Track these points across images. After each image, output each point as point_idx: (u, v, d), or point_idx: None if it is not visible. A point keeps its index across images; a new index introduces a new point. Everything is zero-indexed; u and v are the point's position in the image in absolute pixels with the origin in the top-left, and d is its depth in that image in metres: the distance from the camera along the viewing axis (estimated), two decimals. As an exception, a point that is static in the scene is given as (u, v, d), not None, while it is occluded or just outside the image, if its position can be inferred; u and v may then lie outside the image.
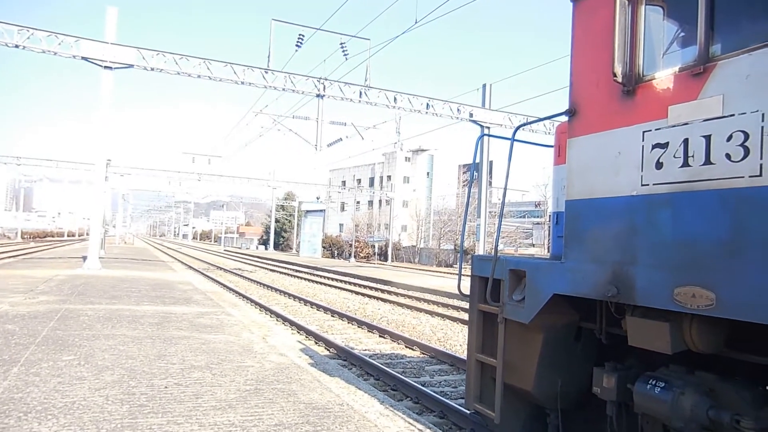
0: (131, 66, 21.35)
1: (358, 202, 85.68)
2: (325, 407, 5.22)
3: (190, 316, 10.56)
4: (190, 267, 33.62)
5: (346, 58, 24.03)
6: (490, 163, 30.51)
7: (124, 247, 56.61)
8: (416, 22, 19.12)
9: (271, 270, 35.88)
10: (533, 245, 58.70)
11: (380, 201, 78.18)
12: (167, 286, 16.63)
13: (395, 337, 11.93)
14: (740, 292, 2.92)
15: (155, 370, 6.19)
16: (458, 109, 27.67)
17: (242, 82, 23.23)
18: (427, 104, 26.74)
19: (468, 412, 5.83)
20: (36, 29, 19.97)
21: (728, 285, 2.98)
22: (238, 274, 30.25)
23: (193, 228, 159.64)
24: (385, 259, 55.91)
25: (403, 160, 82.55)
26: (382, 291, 23.08)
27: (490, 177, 30.00)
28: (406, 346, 11.25)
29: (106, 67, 20.77)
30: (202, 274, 28.54)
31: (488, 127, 27.95)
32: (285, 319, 14.03)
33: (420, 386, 7.79)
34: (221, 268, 35.05)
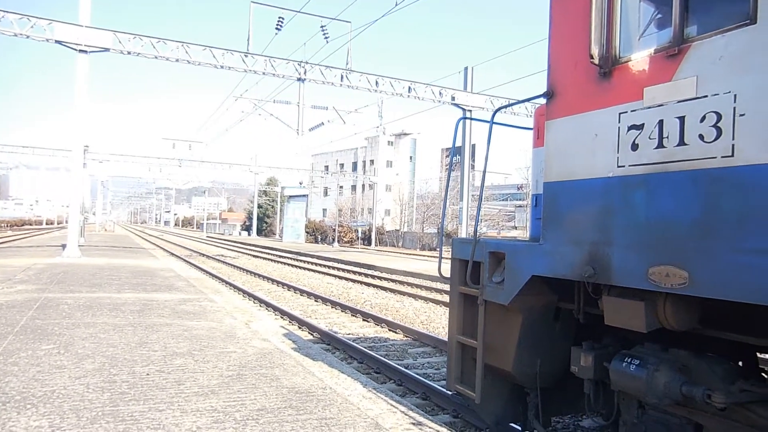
0: (107, 50, 20.86)
1: (341, 187, 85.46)
2: (308, 391, 5.25)
3: (172, 303, 10.50)
4: (172, 254, 33.34)
5: (327, 41, 23.78)
6: (473, 147, 30.57)
7: (104, 235, 55.90)
8: (396, 5, 18.98)
9: (254, 256, 35.74)
10: (516, 228, 59.19)
11: (363, 185, 78.09)
12: (149, 273, 16.49)
13: (378, 321, 12.00)
14: (712, 270, 2.98)
15: (137, 358, 6.15)
16: (440, 93, 27.61)
17: (222, 66, 22.87)
18: (409, 88, 26.63)
19: (449, 393, 5.91)
20: (6, 11, 19.38)
21: (701, 264, 3.03)
22: (221, 261, 30.10)
23: (175, 214, 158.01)
24: (369, 244, 55.98)
25: (386, 144, 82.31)
26: (366, 275, 23.15)
27: (473, 160, 30.07)
28: (390, 330, 11.32)
29: (81, 50, 20.26)
30: (185, 260, 28.33)
31: (470, 110, 27.95)
32: (268, 305, 14.03)
33: (403, 369, 7.86)
34: (204, 255, 34.82)
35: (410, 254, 42.18)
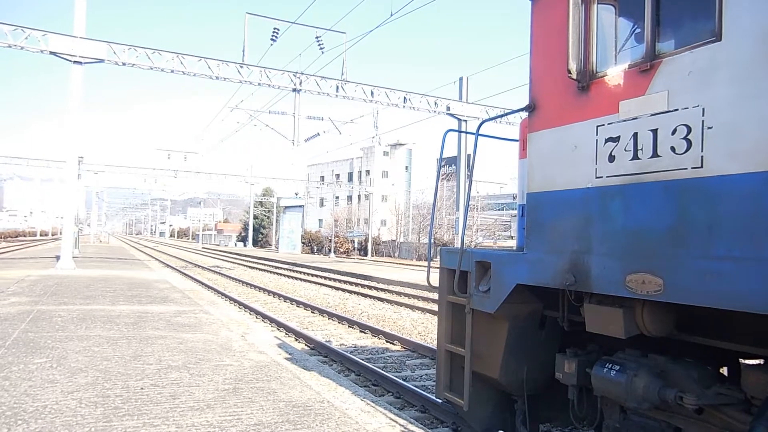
0: (102, 61, 20.92)
1: (337, 197, 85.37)
2: (306, 405, 5.18)
3: (167, 315, 10.40)
4: (168, 265, 33.18)
5: (322, 52, 23.85)
6: (468, 157, 30.61)
7: (99, 246, 55.63)
8: (392, 15, 19.04)
9: (250, 267, 35.60)
10: (512, 237, 59.16)
11: (359, 196, 78.01)
12: (144, 285, 16.37)
13: (376, 332, 11.92)
14: (685, 277, 3.08)
15: (131, 372, 6.07)
16: (435, 103, 27.72)
17: (217, 77, 22.93)
18: (404, 98, 26.73)
19: (440, 401, 5.92)
20: (1, 23, 19.42)
21: (674, 271, 3.14)
22: (217, 272, 29.95)
23: (170, 226, 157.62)
24: (365, 254, 55.87)
25: (382, 154, 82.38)
26: (363, 286, 23.07)
27: (469, 170, 30.08)
28: (387, 341, 11.24)
29: (75, 62, 20.31)
30: (180, 272, 28.18)
31: (465, 121, 28.05)
32: (264, 317, 13.93)
33: (401, 381, 7.78)
34: (199, 266, 34.66)
35: (407, 264, 42.10)
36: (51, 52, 19.97)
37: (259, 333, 9.75)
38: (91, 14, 20.94)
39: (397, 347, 10.77)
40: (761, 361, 3.51)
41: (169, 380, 5.81)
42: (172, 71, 22.30)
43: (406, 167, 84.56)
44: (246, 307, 15.70)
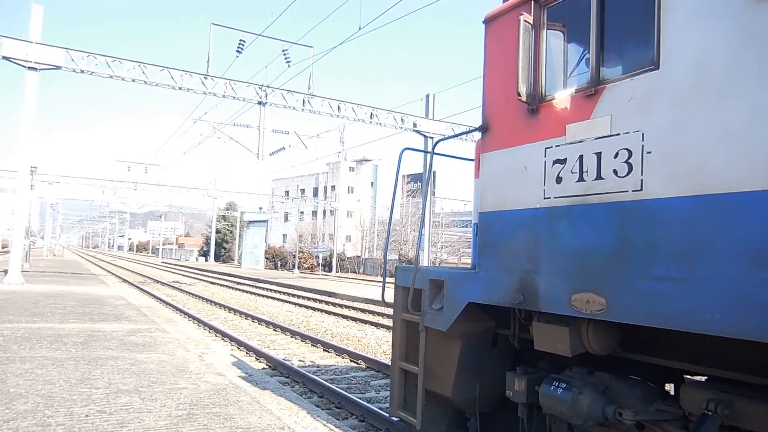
0: (59, 68, 20.21)
1: (301, 213, 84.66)
2: (264, 432, 4.88)
3: (120, 333, 9.92)
4: (125, 280, 32.08)
5: (289, 65, 23.69)
6: (434, 174, 30.73)
7: (52, 260, 53.47)
8: (360, 29, 19.00)
9: (211, 282, 34.73)
10: (476, 254, 59.35)
11: (324, 211, 77.61)
12: (97, 301, 15.69)
13: (340, 351, 11.64)
14: (626, 297, 3.17)
15: (76, 397, 5.69)
16: (402, 119, 27.80)
17: (180, 88, 22.45)
18: (371, 114, 26.71)
19: (395, 419, 5.89)
20: (-50, 27, 18.59)
21: (616, 291, 3.22)
22: (176, 288, 29.06)
23: (129, 239, 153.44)
24: (330, 270, 55.36)
25: (348, 170, 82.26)
26: (327, 303, 22.72)
27: (434, 187, 30.20)
28: (352, 360, 10.98)
29: (30, 68, 19.57)
30: (137, 287, 27.24)
31: (431, 138, 28.19)
32: (224, 335, 13.47)
33: (365, 403, 7.52)
34: (158, 281, 33.61)
35: (371, 281, 41.80)
36: (4, 57, 19.19)
37: (217, 353, 9.37)
38: (48, 20, 20.22)
39: (362, 366, 10.50)
40: (702, 378, 3.60)
41: (118, 406, 5.46)
42: (134, 80, 21.72)
43: (372, 183, 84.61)
44: (205, 324, 15.19)
